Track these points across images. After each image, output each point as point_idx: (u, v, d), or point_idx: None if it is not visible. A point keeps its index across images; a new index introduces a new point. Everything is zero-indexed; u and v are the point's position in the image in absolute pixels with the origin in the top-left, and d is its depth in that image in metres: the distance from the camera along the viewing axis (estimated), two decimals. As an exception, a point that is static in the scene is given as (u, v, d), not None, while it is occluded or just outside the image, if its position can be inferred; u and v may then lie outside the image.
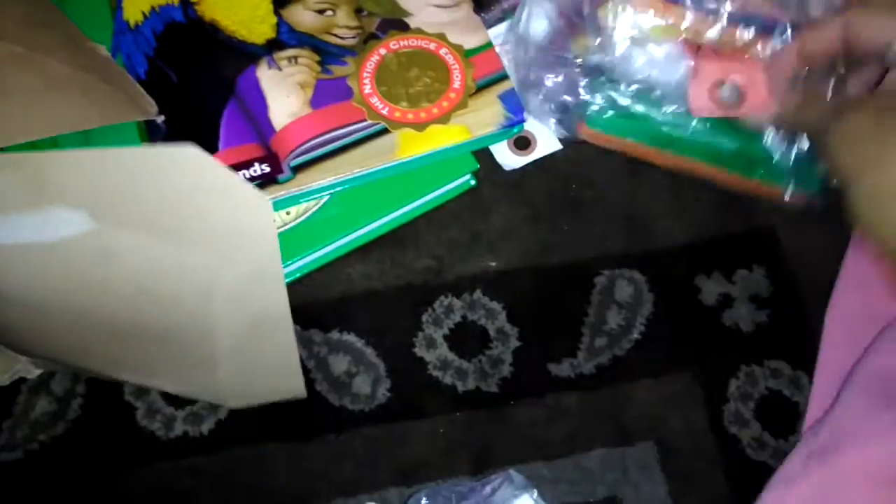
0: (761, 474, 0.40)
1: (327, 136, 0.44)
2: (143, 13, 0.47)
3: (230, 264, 0.31)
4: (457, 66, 0.46)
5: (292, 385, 0.38)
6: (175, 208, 0.30)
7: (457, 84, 0.46)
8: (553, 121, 0.45)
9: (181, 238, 0.31)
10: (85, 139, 0.40)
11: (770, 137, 0.41)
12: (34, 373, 0.42)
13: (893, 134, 0.30)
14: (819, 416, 0.40)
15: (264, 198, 0.30)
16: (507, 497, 0.35)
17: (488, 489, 0.36)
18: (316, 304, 0.44)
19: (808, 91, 0.38)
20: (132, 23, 0.47)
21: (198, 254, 0.31)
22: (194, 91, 0.45)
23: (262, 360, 0.37)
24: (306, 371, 0.42)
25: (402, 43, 0.47)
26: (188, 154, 0.28)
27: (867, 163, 0.31)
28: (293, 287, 0.43)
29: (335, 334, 0.43)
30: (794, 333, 0.44)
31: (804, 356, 0.42)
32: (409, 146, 0.44)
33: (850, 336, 0.41)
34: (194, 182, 0.29)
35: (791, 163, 0.41)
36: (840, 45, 0.36)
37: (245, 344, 0.35)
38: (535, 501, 0.36)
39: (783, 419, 0.42)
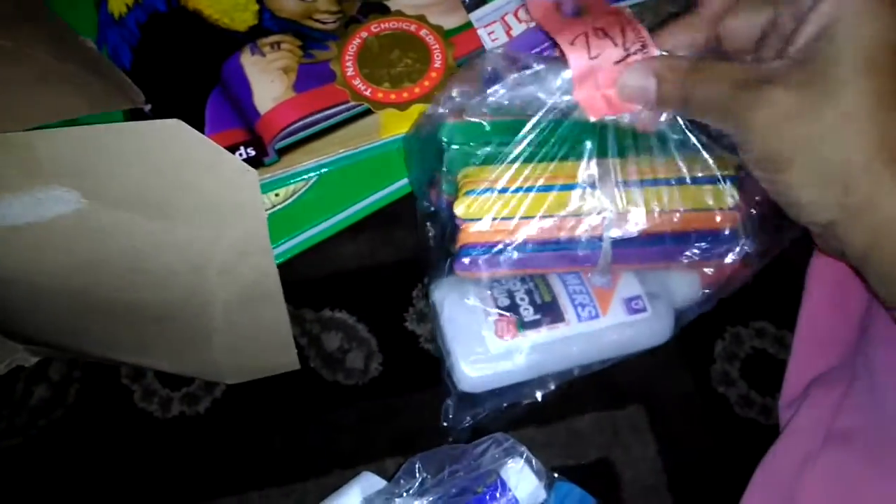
0: (749, 431, 0.41)
1: (311, 119, 0.44)
2: (127, 5, 0.48)
3: (220, 237, 0.32)
4: (437, 46, 0.47)
5: (285, 358, 0.39)
6: (164, 183, 0.31)
7: (437, 64, 0.47)
8: None
9: (171, 212, 0.31)
10: (73, 128, 0.41)
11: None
12: (31, 361, 0.42)
13: (825, 110, 0.30)
14: (801, 373, 0.41)
15: (249, 169, 0.30)
16: (497, 456, 0.36)
17: (479, 450, 0.36)
18: (307, 284, 0.44)
19: (703, 68, 0.33)
20: (116, 14, 0.47)
21: (188, 228, 0.32)
22: (179, 79, 0.46)
23: (255, 333, 0.37)
24: (300, 349, 0.43)
25: (382, 26, 0.47)
26: (174, 128, 0.29)
27: (799, 144, 0.30)
28: (285, 267, 0.44)
29: (327, 312, 0.44)
30: (778, 294, 0.44)
31: (788, 316, 0.43)
32: (393, 126, 0.45)
33: (830, 294, 0.42)
34: (181, 156, 0.30)
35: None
36: (704, 42, 0.35)
37: (238, 318, 0.36)
38: (524, 460, 0.36)
39: (769, 377, 0.42)
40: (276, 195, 0.44)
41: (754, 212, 0.37)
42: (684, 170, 0.37)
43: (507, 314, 0.38)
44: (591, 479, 0.38)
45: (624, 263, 0.39)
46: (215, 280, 0.34)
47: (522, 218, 0.36)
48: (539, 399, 0.41)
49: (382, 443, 0.41)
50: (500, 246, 0.37)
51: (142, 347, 0.38)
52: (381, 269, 0.45)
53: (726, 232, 0.38)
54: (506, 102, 0.36)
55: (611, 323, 0.39)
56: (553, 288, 0.39)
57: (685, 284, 0.40)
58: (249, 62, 0.46)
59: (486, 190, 0.36)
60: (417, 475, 0.35)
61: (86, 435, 0.42)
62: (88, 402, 0.42)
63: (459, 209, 0.36)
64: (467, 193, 0.36)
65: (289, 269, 0.44)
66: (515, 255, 0.37)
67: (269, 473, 0.41)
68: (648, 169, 0.37)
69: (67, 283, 0.33)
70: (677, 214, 0.37)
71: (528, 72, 0.35)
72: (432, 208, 0.40)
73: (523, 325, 0.39)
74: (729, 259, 0.38)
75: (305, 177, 0.45)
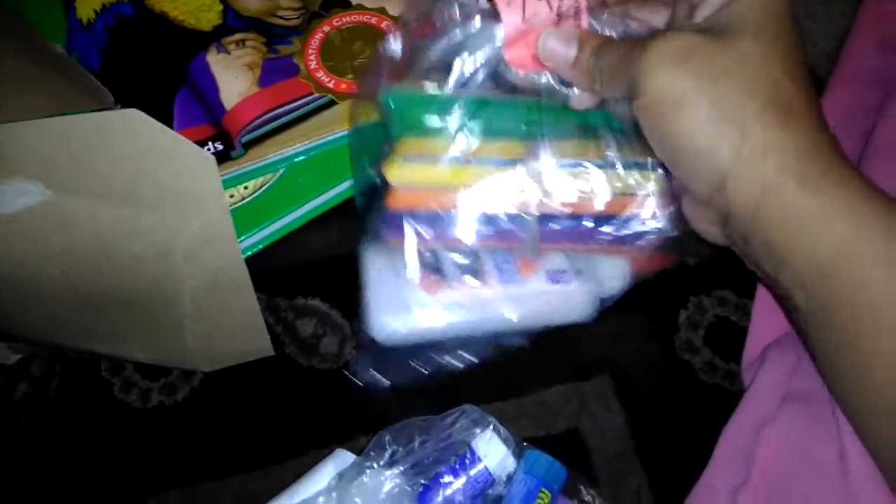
0: (714, 397, 0.42)
1: (276, 112, 0.46)
2: (95, 10, 0.49)
3: (183, 224, 0.33)
4: (398, 37, 0.48)
5: (259, 344, 0.40)
6: (126, 172, 0.32)
7: (399, 54, 0.48)
8: None
9: (135, 200, 0.32)
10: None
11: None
12: (12, 359, 0.43)
13: (720, 54, 0.30)
14: (760, 337, 0.42)
15: (208, 156, 0.32)
16: (466, 426, 0.37)
17: (448, 421, 0.37)
18: (280, 273, 0.46)
19: (615, 41, 0.35)
20: (85, 21, 0.49)
21: (152, 215, 0.33)
22: (147, 79, 0.47)
23: (225, 320, 0.38)
24: (275, 336, 0.44)
25: (344, 19, 0.49)
26: (133, 117, 0.30)
27: (695, 81, 0.30)
28: (257, 257, 0.45)
29: (300, 300, 0.45)
30: (739, 264, 0.45)
31: (749, 285, 0.44)
32: (357, 115, 0.46)
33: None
34: (142, 145, 0.31)
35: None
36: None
37: (207, 305, 0.37)
38: (493, 430, 0.37)
39: (732, 343, 0.43)
40: (245, 188, 0.45)
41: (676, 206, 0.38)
42: (613, 154, 0.38)
43: (430, 271, 0.39)
44: (561, 448, 0.39)
45: (551, 242, 0.39)
46: (182, 267, 0.35)
47: (453, 189, 0.37)
48: (454, 367, 0.41)
49: (356, 422, 0.42)
50: (428, 213, 0.37)
51: (117, 337, 0.39)
52: (351, 257, 0.46)
53: (650, 217, 0.38)
54: (440, 56, 0.36)
55: (532, 290, 0.40)
56: (479, 252, 0.40)
57: (613, 268, 0.41)
58: (215, 60, 0.47)
59: (420, 158, 0.37)
60: (387, 447, 0.36)
61: (68, 428, 0.43)
62: (69, 397, 0.43)
63: (390, 173, 0.37)
64: (401, 159, 0.37)
65: (261, 259, 0.45)
66: (443, 226, 0.37)
67: (248, 457, 0.42)
68: (579, 151, 0.38)
69: (38, 274, 0.34)
70: (604, 197, 0.38)
71: (460, 29, 0.36)
72: (377, 179, 0.40)
73: (443, 283, 0.39)
74: (650, 243, 0.39)
75: (273, 169, 0.46)
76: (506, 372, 0.43)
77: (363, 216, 0.41)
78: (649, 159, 0.38)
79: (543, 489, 0.37)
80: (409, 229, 0.38)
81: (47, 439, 0.42)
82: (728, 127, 0.30)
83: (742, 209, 0.31)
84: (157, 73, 0.47)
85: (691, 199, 0.34)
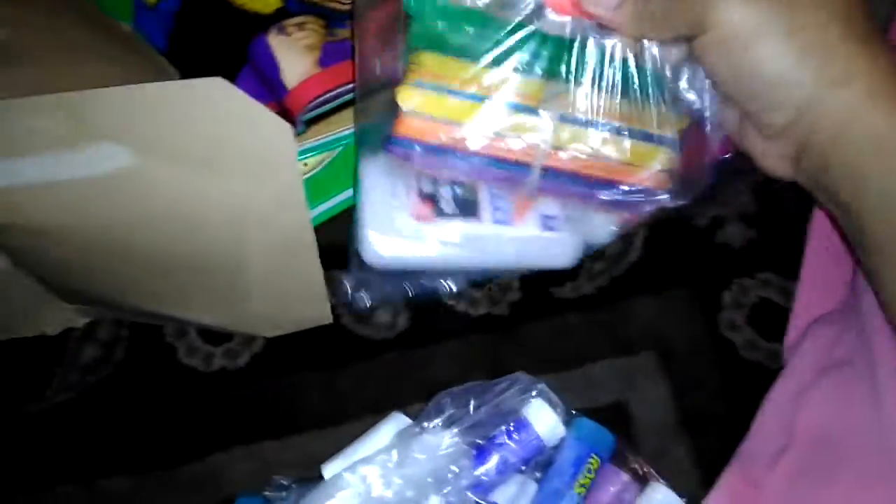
0: (755, 374, 0.43)
1: (336, 92, 0.47)
2: (160, -7, 0.51)
3: (258, 189, 0.35)
4: (454, 21, 0.50)
5: (319, 311, 0.42)
6: (206, 138, 0.33)
7: (453, 38, 0.49)
8: None
9: (214, 166, 0.34)
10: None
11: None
12: (80, 322, 0.46)
13: None
14: (803, 318, 0.43)
15: (285, 124, 0.33)
16: (518, 393, 0.39)
17: (501, 387, 0.39)
18: (336, 247, 0.47)
19: None
20: (151, 2, 0.51)
21: (229, 181, 0.35)
22: (210, 59, 0.49)
23: (291, 285, 0.40)
24: (331, 307, 0.45)
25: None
26: (215, 85, 0.32)
27: (772, 9, 0.29)
28: (314, 232, 0.47)
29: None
30: (782, 247, 0.47)
31: (792, 267, 0.45)
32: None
33: (828, 243, 0.45)
34: (222, 111, 0.33)
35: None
36: None
37: (275, 270, 0.39)
38: (544, 398, 0.39)
39: (774, 324, 0.44)
40: (305, 164, 0.47)
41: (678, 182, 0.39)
42: (631, 119, 0.37)
43: (427, 199, 0.39)
44: (607, 420, 0.41)
45: (549, 193, 0.40)
46: (254, 231, 0.37)
47: (464, 124, 0.36)
48: (445, 297, 0.42)
49: (410, 390, 0.44)
50: (434, 145, 0.37)
51: (185, 300, 0.41)
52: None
53: (649, 191, 0.39)
54: None
55: (522, 233, 0.40)
56: (476, 187, 0.41)
57: (601, 220, 0.42)
58: (276, 41, 0.49)
59: (435, 87, 0.36)
60: (445, 409, 0.38)
61: (133, 390, 0.45)
62: (135, 360, 0.45)
63: (402, 98, 0.36)
64: (415, 84, 0.36)
65: (318, 234, 0.47)
66: (448, 159, 0.37)
67: (307, 419, 0.43)
68: (594, 108, 0.37)
69: (117, 236, 0.36)
70: (610, 162, 0.38)
71: None
72: (383, 76, 0.39)
73: (439, 213, 0.40)
74: (642, 210, 0.40)
75: (331, 147, 0.47)
76: (553, 346, 0.45)
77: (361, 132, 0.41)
78: (661, 131, 0.37)
79: (593, 455, 0.39)
80: (411, 156, 0.37)
81: (114, 400, 0.44)
82: (810, 55, 0.30)
83: (825, 137, 0.31)
84: (219, 54, 0.49)
85: (760, 135, 0.34)
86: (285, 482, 0.39)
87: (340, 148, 0.48)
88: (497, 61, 0.36)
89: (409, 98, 0.36)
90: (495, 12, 0.35)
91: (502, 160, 0.38)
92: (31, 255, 0.39)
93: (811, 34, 0.30)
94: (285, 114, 0.47)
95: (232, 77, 0.48)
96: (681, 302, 0.46)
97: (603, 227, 0.42)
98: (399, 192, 0.40)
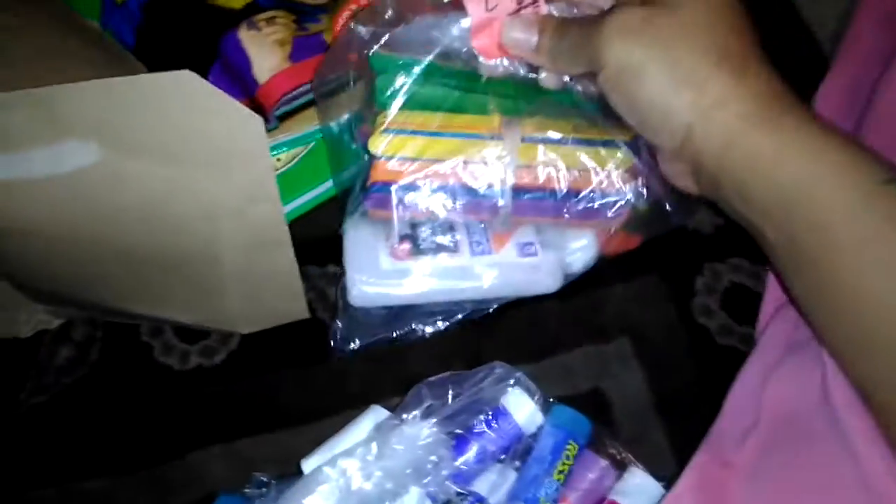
0: (729, 357, 0.44)
1: (307, 87, 0.47)
2: (128, -11, 0.50)
3: (229, 183, 0.35)
4: (424, 15, 0.50)
5: (296, 305, 0.42)
6: (176, 131, 0.33)
7: (424, 32, 0.49)
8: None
9: (183, 159, 0.34)
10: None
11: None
12: (54, 323, 0.45)
13: (668, 20, 0.33)
14: (774, 302, 0.44)
15: (255, 115, 0.33)
16: (496, 382, 0.39)
17: (479, 376, 0.39)
18: (311, 242, 0.47)
19: (570, 20, 0.37)
20: (118, 0, 0.50)
21: (200, 173, 0.34)
22: (180, 55, 0.49)
23: (266, 280, 0.40)
24: (307, 303, 0.45)
25: (370, -2, 0.50)
26: (184, 78, 0.32)
27: (650, 48, 0.33)
28: (289, 228, 0.47)
29: (331, 267, 0.47)
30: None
31: (762, 252, 0.46)
32: (385, 89, 0.48)
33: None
34: (191, 104, 0.33)
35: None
36: None
37: (249, 264, 0.39)
38: (522, 386, 0.39)
39: (747, 308, 0.45)
40: (278, 160, 0.47)
41: (642, 181, 0.41)
42: (583, 132, 0.40)
43: (405, 240, 0.42)
44: (584, 407, 0.41)
45: (522, 215, 0.42)
46: (226, 226, 0.37)
47: (433, 160, 0.40)
48: (426, 335, 0.44)
49: (388, 384, 0.44)
50: (408, 184, 0.40)
51: (159, 298, 0.41)
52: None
53: (615, 191, 0.41)
54: (409, 40, 0.39)
55: (501, 261, 0.42)
56: (455, 224, 0.43)
57: (579, 244, 0.44)
58: (247, 36, 0.48)
59: (402, 131, 0.39)
60: (424, 400, 0.38)
61: (109, 390, 0.44)
62: (110, 360, 0.45)
63: (373, 145, 0.39)
64: (383, 132, 0.39)
65: (293, 229, 0.47)
66: (422, 196, 0.40)
67: (286, 415, 0.43)
68: (550, 127, 0.40)
69: (87, 233, 0.36)
70: (573, 172, 0.41)
71: (431, 18, 0.39)
72: (354, 145, 0.43)
73: (419, 252, 0.42)
74: (616, 216, 0.42)
75: (304, 142, 0.47)
76: (530, 336, 0.45)
77: (343, 196, 0.43)
78: (614, 137, 0.40)
79: (570, 441, 0.39)
80: (388, 199, 0.40)
81: (90, 401, 0.44)
82: (687, 86, 0.33)
83: (710, 157, 0.33)
84: (189, 50, 0.49)
85: (665, 157, 0.37)
86: (265, 479, 0.39)
87: (313, 143, 0.48)
88: (455, 105, 0.40)
89: (379, 144, 0.40)
90: (441, 62, 0.39)
91: (474, 189, 0.40)
92: (1, 256, 0.38)
93: (686, 67, 0.33)
94: (257, 109, 0.47)
95: (203, 73, 0.48)
96: (653, 288, 0.46)
97: (582, 252, 0.44)
98: (379, 236, 0.42)
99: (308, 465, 0.39)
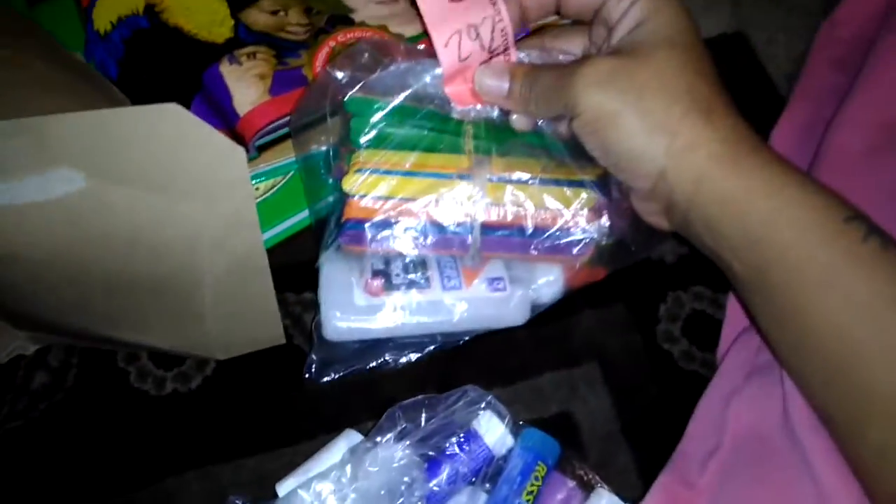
0: (692, 382, 0.46)
1: (286, 119, 0.49)
2: (112, 23, 0.52)
3: (212, 211, 0.36)
4: (399, 52, 0.52)
5: (272, 331, 0.43)
6: (161, 161, 0.35)
7: (400, 68, 0.51)
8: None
9: (167, 188, 0.35)
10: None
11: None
12: (31, 349, 0.45)
13: (640, 70, 0.35)
14: (733, 328, 0.46)
15: (238, 147, 0.34)
16: (468, 405, 0.40)
17: (452, 399, 0.40)
18: (288, 269, 0.48)
19: (542, 66, 0.39)
20: (102, 31, 0.51)
21: (183, 203, 0.36)
22: (163, 88, 0.50)
23: (244, 306, 0.41)
24: (284, 329, 0.46)
25: (349, 35, 0.52)
26: (169, 110, 0.33)
27: (623, 97, 0.35)
28: (267, 255, 0.48)
29: (307, 294, 0.48)
30: (712, 261, 0.49)
31: (722, 280, 0.48)
32: (361, 123, 0.49)
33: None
34: (176, 135, 0.34)
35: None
36: (555, 1, 0.40)
37: (228, 290, 0.40)
38: (493, 410, 0.40)
39: (708, 334, 0.47)
40: (257, 189, 0.48)
41: (605, 218, 0.43)
42: (550, 172, 0.42)
43: (378, 276, 0.43)
44: (554, 429, 0.43)
45: (491, 251, 0.44)
46: (208, 253, 0.38)
47: (405, 199, 0.41)
48: (398, 366, 0.45)
49: (363, 407, 0.45)
50: (380, 222, 0.42)
51: (139, 323, 0.42)
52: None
53: (580, 229, 0.43)
54: (384, 85, 0.41)
55: (471, 296, 0.44)
56: (426, 259, 0.44)
57: (547, 278, 0.45)
58: (228, 70, 0.50)
59: (375, 171, 0.41)
60: (398, 423, 0.39)
61: (85, 416, 0.45)
62: (87, 385, 0.45)
63: (347, 184, 0.41)
64: (357, 172, 0.41)
65: (271, 257, 0.48)
66: (395, 234, 0.42)
67: (261, 440, 0.44)
68: (519, 168, 0.42)
69: (71, 259, 0.37)
70: (539, 211, 0.43)
71: (405, 64, 0.41)
72: (330, 179, 0.45)
73: (390, 286, 0.43)
74: (581, 252, 0.43)
75: (283, 172, 0.49)
76: (501, 360, 0.46)
77: (318, 231, 0.45)
78: (581, 177, 0.42)
79: (539, 463, 0.40)
80: (362, 236, 0.42)
81: (65, 426, 0.44)
82: (659, 132, 0.35)
83: (680, 197, 0.36)
84: (171, 82, 0.50)
85: (638, 196, 0.39)
86: (240, 502, 0.40)
87: (291, 173, 0.49)
88: (428, 146, 0.42)
89: (352, 183, 0.41)
90: (415, 105, 0.41)
91: (444, 226, 0.42)
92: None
93: (658, 114, 0.35)
94: (237, 140, 0.48)
95: (185, 105, 0.49)
96: (620, 315, 0.48)
97: (549, 286, 0.46)
98: (353, 272, 0.44)
99: (283, 488, 0.39)
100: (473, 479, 0.40)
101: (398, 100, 0.41)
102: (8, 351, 0.45)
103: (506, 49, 0.40)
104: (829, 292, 0.34)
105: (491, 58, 0.41)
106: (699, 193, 0.35)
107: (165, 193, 0.35)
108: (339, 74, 0.42)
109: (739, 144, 0.35)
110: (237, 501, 0.40)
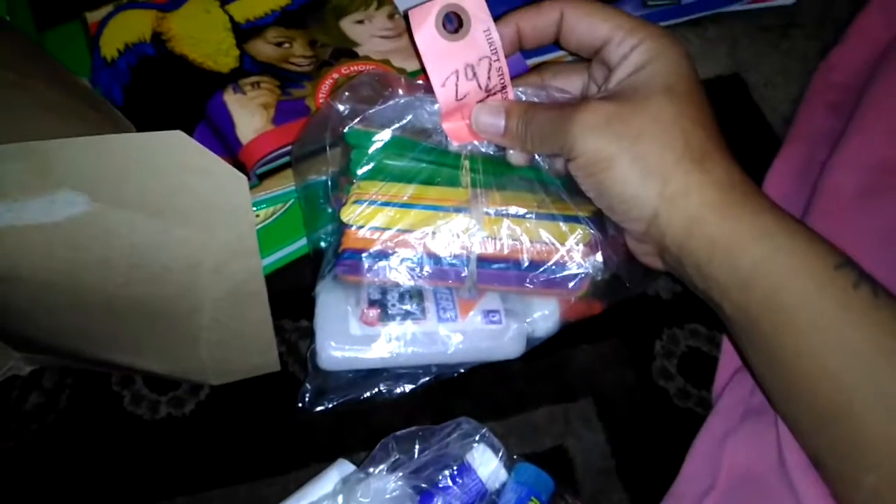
0: (687, 420, 0.46)
1: (288, 148, 0.49)
2: (119, 50, 0.52)
3: (213, 237, 0.36)
4: (402, 85, 0.53)
5: (267, 358, 0.43)
6: (165, 187, 0.35)
7: (402, 101, 0.52)
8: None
9: (170, 214, 0.35)
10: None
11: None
12: (25, 370, 0.45)
13: (637, 116, 0.36)
14: (729, 366, 0.46)
15: (241, 176, 0.35)
16: (462, 437, 0.40)
17: (446, 431, 0.40)
18: (285, 296, 0.48)
19: (538, 105, 0.40)
20: (109, 59, 0.52)
21: (185, 228, 0.36)
22: (167, 114, 0.51)
23: (240, 332, 0.41)
24: (279, 355, 0.46)
25: (352, 68, 0.53)
26: (174, 137, 0.33)
27: (619, 141, 0.35)
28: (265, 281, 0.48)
29: (304, 322, 0.48)
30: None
31: (717, 318, 0.48)
32: (362, 154, 0.50)
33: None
34: (180, 162, 0.34)
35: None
36: (554, 32, 0.40)
37: (225, 317, 0.40)
38: (487, 443, 0.40)
39: (703, 372, 0.47)
40: (257, 216, 0.49)
41: (600, 254, 0.44)
42: (546, 207, 0.43)
43: (374, 306, 0.43)
44: (548, 464, 0.42)
45: (487, 284, 0.44)
46: (207, 277, 0.38)
47: (403, 230, 0.42)
48: (393, 396, 0.45)
49: (357, 437, 0.45)
50: (377, 252, 0.42)
51: (136, 347, 0.42)
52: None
53: (576, 264, 0.44)
54: (384, 118, 0.42)
55: (467, 328, 0.44)
56: (423, 291, 0.45)
57: (543, 312, 0.46)
58: (232, 99, 0.51)
59: (373, 202, 0.42)
60: (391, 453, 0.39)
61: (77, 438, 0.44)
62: (80, 408, 0.45)
63: (345, 215, 0.42)
64: (355, 203, 0.42)
65: (269, 283, 0.48)
66: (392, 265, 0.42)
67: (253, 467, 0.44)
68: (515, 202, 0.43)
69: (72, 281, 0.37)
70: (535, 245, 0.43)
71: (405, 98, 0.42)
72: (329, 208, 0.45)
73: (386, 317, 0.43)
74: (577, 286, 0.44)
75: (283, 200, 0.49)
76: (496, 393, 0.46)
77: (316, 260, 0.45)
78: (576, 213, 0.43)
79: (533, 498, 0.40)
80: (359, 266, 0.42)
81: (58, 448, 0.44)
82: (653, 178, 0.36)
83: (673, 240, 0.36)
84: (176, 109, 0.51)
85: (632, 237, 0.40)
86: (230, 530, 0.39)
87: (291, 201, 0.49)
88: (426, 178, 0.42)
89: (351, 213, 0.42)
90: (414, 138, 0.42)
91: (441, 258, 0.43)
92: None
93: (652, 160, 0.36)
94: (239, 167, 0.49)
95: (188, 132, 0.50)
96: (615, 351, 0.48)
97: (545, 320, 0.46)
98: (350, 302, 0.44)
99: (274, 517, 0.39)
100: (466, 513, 0.40)
101: (396, 132, 0.42)
102: (3, 371, 0.45)
103: (503, 88, 0.41)
104: (820, 337, 0.34)
105: (488, 96, 0.41)
106: (690, 237, 0.36)
107: (167, 219, 0.36)
108: (341, 106, 0.42)
109: (732, 190, 0.36)
110: (227, 530, 0.40)
